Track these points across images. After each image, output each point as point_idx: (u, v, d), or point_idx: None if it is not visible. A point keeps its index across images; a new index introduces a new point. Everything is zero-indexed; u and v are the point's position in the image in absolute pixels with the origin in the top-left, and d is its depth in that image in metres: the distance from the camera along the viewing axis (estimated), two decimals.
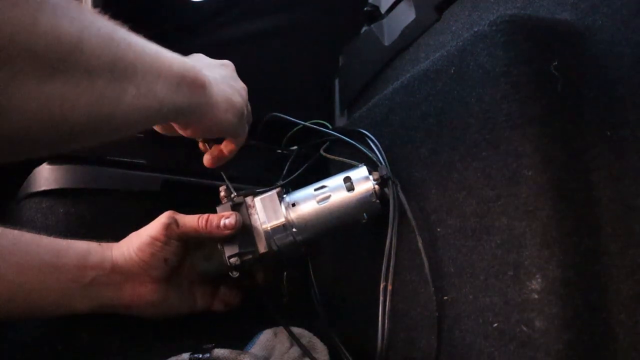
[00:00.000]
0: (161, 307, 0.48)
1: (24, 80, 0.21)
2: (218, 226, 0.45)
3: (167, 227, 0.45)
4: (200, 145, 0.49)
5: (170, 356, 0.45)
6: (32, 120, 0.22)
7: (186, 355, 0.45)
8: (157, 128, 0.45)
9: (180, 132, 0.42)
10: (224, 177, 0.50)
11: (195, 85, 0.36)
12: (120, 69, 0.27)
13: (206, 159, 0.48)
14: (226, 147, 0.47)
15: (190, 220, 0.46)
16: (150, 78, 0.30)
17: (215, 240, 0.47)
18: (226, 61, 0.47)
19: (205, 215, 0.46)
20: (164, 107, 0.32)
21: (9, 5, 0.20)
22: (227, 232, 0.45)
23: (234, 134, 0.45)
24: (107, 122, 0.27)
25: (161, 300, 0.48)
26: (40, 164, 0.55)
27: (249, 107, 0.48)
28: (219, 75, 0.42)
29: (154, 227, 0.46)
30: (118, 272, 0.46)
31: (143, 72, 0.29)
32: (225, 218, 0.46)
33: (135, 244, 0.46)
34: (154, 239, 0.45)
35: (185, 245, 0.48)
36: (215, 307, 0.52)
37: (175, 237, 0.46)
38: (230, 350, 0.45)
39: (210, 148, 0.48)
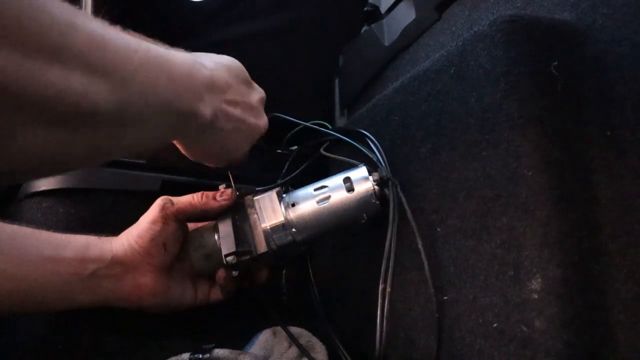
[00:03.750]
0: (162, 297, 0.48)
1: (31, 127, 0.22)
2: (214, 197, 0.47)
3: (163, 207, 0.46)
4: None
5: (170, 356, 0.45)
6: (34, 159, 0.23)
7: (186, 355, 0.45)
8: None
9: None
10: (230, 176, 0.50)
11: (197, 125, 0.35)
12: (125, 116, 0.27)
13: None
14: None
15: (185, 197, 0.48)
16: (155, 121, 0.29)
17: (212, 227, 0.48)
18: (258, 94, 0.45)
19: (200, 192, 0.48)
20: (160, 143, 0.34)
21: (20, 57, 0.20)
22: (224, 202, 0.47)
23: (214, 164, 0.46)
24: (104, 157, 0.29)
25: (162, 291, 0.48)
26: None
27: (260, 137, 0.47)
28: (231, 129, 0.41)
29: (150, 213, 0.47)
30: (118, 264, 0.46)
31: (148, 116, 0.28)
32: (220, 192, 0.48)
33: (134, 233, 0.47)
34: (152, 222, 0.46)
35: (183, 228, 0.48)
36: (213, 296, 0.52)
37: (172, 217, 0.47)
38: (230, 350, 0.45)
39: None
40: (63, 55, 0.22)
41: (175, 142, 0.42)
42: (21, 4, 0.20)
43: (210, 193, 0.48)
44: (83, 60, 0.23)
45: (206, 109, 0.35)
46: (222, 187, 0.49)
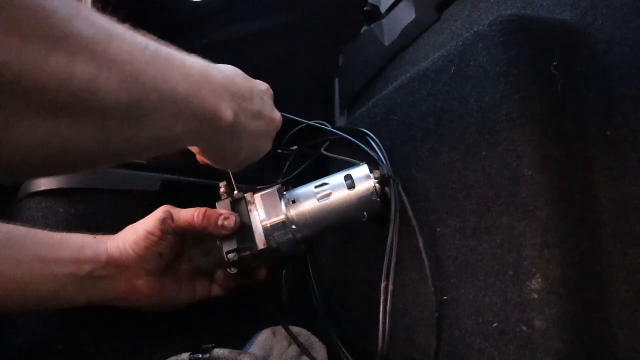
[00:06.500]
0: (158, 299, 0.48)
1: (27, 118, 0.20)
2: (216, 225, 0.45)
3: (163, 222, 0.45)
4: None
5: (170, 356, 0.45)
6: (29, 154, 0.21)
7: (186, 356, 0.45)
8: None
9: None
10: (231, 175, 0.49)
11: (219, 128, 0.33)
12: (137, 111, 0.25)
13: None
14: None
15: (186, 215, 0.46)
16: (171, 120, 0.28)
17: (213, 235, 0.47)
18: (264, 86, 0.43)
19: (203, 210, 0.45)
20: (180, 143, 0.32)
21: (19, 42, 0.19)
22: (225, 232, 0.45)
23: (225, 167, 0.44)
24: (117, 157, 0.27)
25: (157, 293, 0.48)
26: None
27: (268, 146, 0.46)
28: (253, 128, 0.39)
29: (150, 222, 0.46)
30: (113, 265, 0.46)
31: (164, 112, 0.27)
32: (224, 218, 0.45)
33: (130, 238, 0.46)
34: (150, 233, 0.45)
35: (182, 239, 0.48)
36: (214, 292, 0.52)
37: (171, 232, 0.46)
38: (230, 350, 0.45)
39: None
40: (66, 43, 0.21)
41: (194, 149, 0.41)
42: None
43: (213, 214, 0.45)
44: (88, 49, 0.22)
45: (228, 111, 0.34)
46: (222, 185, 0.48)
